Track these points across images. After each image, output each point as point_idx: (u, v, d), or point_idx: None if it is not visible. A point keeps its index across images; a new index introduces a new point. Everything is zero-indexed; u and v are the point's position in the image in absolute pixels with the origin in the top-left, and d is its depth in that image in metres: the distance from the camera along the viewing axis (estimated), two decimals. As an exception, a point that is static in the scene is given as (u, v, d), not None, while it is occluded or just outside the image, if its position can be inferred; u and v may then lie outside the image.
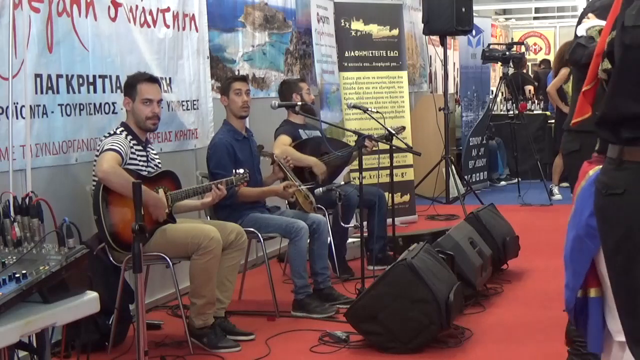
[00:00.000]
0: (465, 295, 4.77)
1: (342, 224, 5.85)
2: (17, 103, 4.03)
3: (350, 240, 6.28)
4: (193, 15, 5.65)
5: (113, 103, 4.82)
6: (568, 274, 2.90)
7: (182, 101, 5.56)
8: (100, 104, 4.74)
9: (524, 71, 13.30)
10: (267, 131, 5.98)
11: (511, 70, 11.14)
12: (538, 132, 10.95)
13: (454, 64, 11.97)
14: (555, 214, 8.20)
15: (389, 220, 6.10)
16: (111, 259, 4.31)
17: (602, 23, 3.05)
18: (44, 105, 4.30)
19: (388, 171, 5.87)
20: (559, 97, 9.20)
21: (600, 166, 2.44)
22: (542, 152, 10.12)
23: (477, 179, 10.54)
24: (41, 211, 3.03)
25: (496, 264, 5.73)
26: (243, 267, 5.25)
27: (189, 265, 4.39)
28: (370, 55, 7.98)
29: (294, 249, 5.02)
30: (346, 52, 7.78)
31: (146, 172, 4.42)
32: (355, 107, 6.31)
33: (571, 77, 5.48)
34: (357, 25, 7.85)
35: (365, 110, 6.08)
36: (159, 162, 4.60)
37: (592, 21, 3.64)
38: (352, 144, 5.93)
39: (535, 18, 19.88)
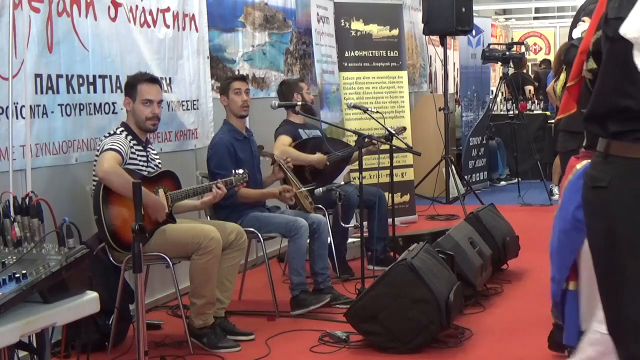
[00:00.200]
0: (465, 295, 4.77)
1: (342, 224, 5.85)
2: (17, 103, 4.03)
3: (350, 240, 6.28)
4: (193, 15, 5.65)
5: (113, 103, 4.82)
6: (554, 267, 2.95)
7: (182, 101, 5.56)
8: (100, 104, 4.74)
9: (524, 71, 13.30)
10: (267, 131, 5.98)
11: (511, 70, 11.15)
12: (538, 132, 10.95)
13: (454, 64, 11.97)
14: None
15: (390, 220, 6.10)
16: (111, 259, 4.31)
17: None
18: (44, 105, 4.31)
19: (388, 171, 5.87)
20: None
21: (588, 161, 2.48)
22: (542, 152, 10.12)
23: (477, 179, 10.55)
24: (41, 211, 3.03)
25: (496, 264, 5.73)
26: (243, 267, 5.26)
27: (189, 265, 4.39)
28: (370, 55, 7.98)
29: (293, 246, 5.02)
30: (346, 52, 7.78)
31: (146, 172, 4.42)
32: (355, 107, 6.31)
33: (561, 77, 5.49)
34: (357, 25, 7.85)
35: (365, 110, 6.08)
36: (159, 162, 4.60)
37: (587, 24, 3.66)
38: (352, 144, 5.93)
39: (535, 18, 19.88)
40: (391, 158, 5.79)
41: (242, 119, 5.26)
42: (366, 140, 5.41)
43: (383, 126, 5.85)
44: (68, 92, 4.48)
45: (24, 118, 4.05)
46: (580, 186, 2.40)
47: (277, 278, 5.66)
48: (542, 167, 9.75)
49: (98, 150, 4.29)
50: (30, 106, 4.13)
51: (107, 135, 4.39)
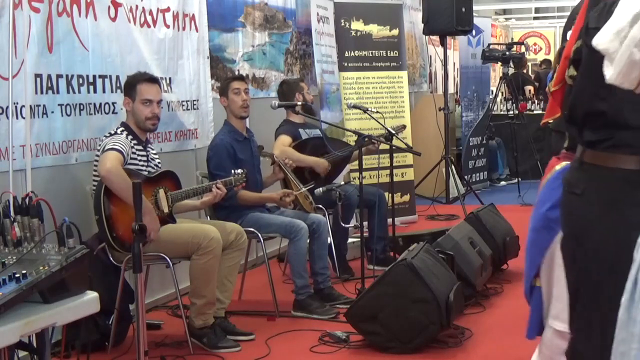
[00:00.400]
0: (465, 295, 4.77)
1: (342, 224, 5.85)
2: (17, 103, 4.03)
3: (350, 240, 6.28)
4: (193, 15, 5.65)
5: (113, 103, 4.82)
6: (526, 264, 3.04)
7: (182, 101, 5.56)
8: (100, 104, 4.74)
9: (524, 71, 13.30)
10: (267, 131, 5.98)
11: (511, 70, 11.14)
12: (538, 132, 10.93)
13: (454, 64, 11.97)
14: (555, 214, 8.18)
15: (390, 220, 6.10)
16: (111, 259, 4.31)
17: None
18: (44, 105, 4.30)
19: (388, 171, 5.87)
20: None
21: (567, 162, 2.56)
22: (542, 152, 10.11)
23: (477, 179, 10.54)
24: (41, 211, 3.03)
25: (496, 264, 5.73)
26: (243, 267, 5.26)
27: (189, 265, 4.39)
28: (370, 55, 7.98)
29: (293, 248, 5.02)
30: (346, 52, 7.78)
31: (146, 172, 4.42)
32: (355, 107, 6.32)
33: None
34: (357, 25, 7.85)
35: (365, 110, 6.08)
36: (159, 162, 4.60)
37: None
38: (353, 144, 5.93)
39: (535, 18, 19.88)
40: (391, 158, 5.79)
41: (243, 119, 5.25)
42: (366, 140, 5.41)
43: (383, 126, 5.85)
44: (68, 92, 4.48)
45: (24, 118, 4.05)
46: (557, 186, 2.48)
47: (277, 278, 5.66)
48: (542, 167, 9.68)
49: (98, 150, 4.29)
50: (30, 106, 4.13)
51: (108, 135, 4.39)
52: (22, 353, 3.39)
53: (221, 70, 6.11)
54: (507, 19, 18.44)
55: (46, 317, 2.72)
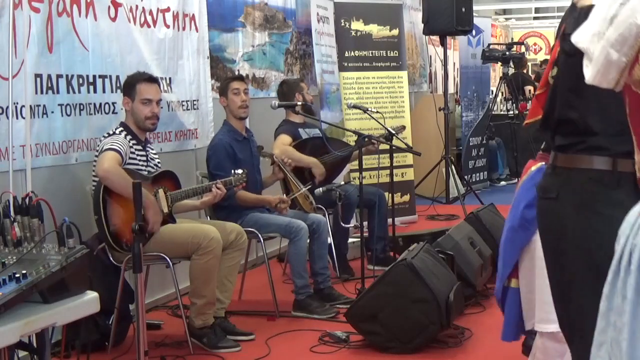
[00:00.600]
0: (465, 295, 4.77)
1: (342, 224, 5.85)
2: (17, 103, 4.03)
3: (350, 240, 6.28)
4: (193, 15, 5.65)
5: (113, 103, 4.82)
6: (499, 264, 3.05)
7: (182, 101, 5.56)
8: (100, 104, 4.74)
9: (524, 71, 13.29)
10: (267, 131, 5.98)
11: (511, 70, 11.14)
12: (538, 132, 10.93)
13: (454, 64, 11.97)
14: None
15: (390, 220, 6.10)
16: (111, 259, 4.31)
17: None
18: (44, 105, 4.30)
19: (388, 171, 5.87)
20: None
21: (543, 163, 2.64)
22: (542, 152, 10.10)
23: (477, 179, 10.54)
24: (41, 211, 3.03)
25: (496, 264, 5.71)
26: (243, 267, 5.26)
27: (189, 265, 4.39)
28: (370, 55, 7.97)
29: (293, 248, 5.02)
30: (346, 52, 7.78)
31: (146, 172, 4.42)
32: (355, 107, 6.32)
33: None
34: (357, 25, 7.85)
35: (365, 110, 6.08)
36: (158, 162, 4.60)
37: None
38: (352, 144, 5.93)
39: (535, 18, 19.87)
40: (391, 158, 5.79)
41: (242, 120, 5.25)
42: (366, 140, 5.41)
43: (383, 126, 5.85)
44: (68, 92, 4.48)
45: (24, 118, 4.05)
46: (531, 186, 2.54)
47: (277, 278, 5.66)
48: (542, 167, 9.73)
49: (98, 151, 4.29)
50: (30, 106, 4.13)
51: (106, 135, 4.39)
52: (22, 353, 3.39)
53: (221, 70, 6.11)
54: (507, 19, 18.43)
55: (46, 317, 2.72)
